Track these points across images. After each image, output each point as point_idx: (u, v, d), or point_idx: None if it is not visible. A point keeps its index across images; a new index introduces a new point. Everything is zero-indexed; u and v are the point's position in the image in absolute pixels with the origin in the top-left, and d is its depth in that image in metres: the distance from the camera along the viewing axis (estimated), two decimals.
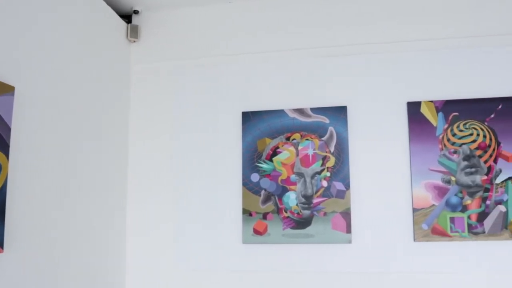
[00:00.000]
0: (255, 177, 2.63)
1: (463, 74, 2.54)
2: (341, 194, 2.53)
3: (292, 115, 2.64)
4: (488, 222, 2.38)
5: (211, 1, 2.84)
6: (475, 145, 2.45)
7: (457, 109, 2.49)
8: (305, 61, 2.71)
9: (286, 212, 2.57)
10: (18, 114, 1.89)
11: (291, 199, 2.57)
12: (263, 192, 2.61)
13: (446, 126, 2.49)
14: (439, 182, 2.45)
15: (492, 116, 2.45)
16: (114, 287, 2.61)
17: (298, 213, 2.56)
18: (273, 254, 2.58)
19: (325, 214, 2.53)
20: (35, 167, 1.99)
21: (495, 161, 2.42)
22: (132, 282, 2.72)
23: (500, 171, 2.41)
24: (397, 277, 2.45)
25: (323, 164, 2.57)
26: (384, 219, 2.50)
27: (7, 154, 1.79)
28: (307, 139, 2.61)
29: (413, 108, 2.53)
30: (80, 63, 2.38)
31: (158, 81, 2.88)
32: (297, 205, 2.56)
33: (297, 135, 2.62)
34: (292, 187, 2.58)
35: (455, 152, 2.46)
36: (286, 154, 2.62)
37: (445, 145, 2.47)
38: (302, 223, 2.55)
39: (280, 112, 2.66)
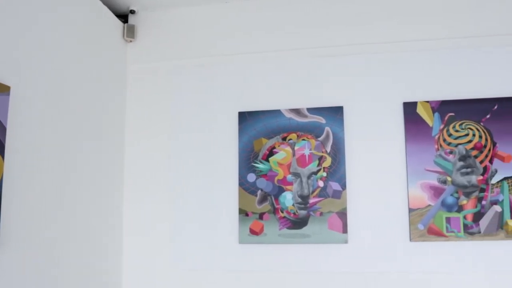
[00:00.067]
0: (251, 177, 2.63)
1: (459, 75, 2.54)
2: (337, 194, 2.53)
3: (288, 115, 2.65)
4: (484, 222, 2.39)
5: (207, 1, 2.84)
6: (471, 145, 2.45)
7: (453, 109, 2.50)
8: (302, 61, 2.72)
9: (282, 212, 2.57)
10: (13, 113, 1.88)
11: (288, 199, 2.57)
12: (259, 192, 2.61)
13: (442, 126, 2.49)
14: (435, 182, 2.46)
15: (488, 116, 2.46)
16: (111, 287, 2.61)
17: (294, 213, 2.56)
18: (269, 254, 2.58)
19: (321, 214, 2.53)
20: (30, 167, 1.98)
21: (490, 161, 2.43)
22: (129, 282, 2.72)
23: (496, 171, 2.41)
24: (393, 277, 2.45)
25: (319, 164, 2.57)
26: (380, 219, 2.50)
27: (2, 154, 1.79)
28: (303, 139, 2.61)
29: (409, 108, 2.54)
30: (76, 63, 2.37)
31: (154, 81, 2.87)
32: (293, 205, 2.56)
33: (293, 135, 2.62)
34: (288, 187, 2.58)
35: (451, 152, 2.46)
36: (282, 154, 2.62)
37: (441, 145, 2.48)
38: (298, 223, 2.55)
39: (276, 112, 2.66)
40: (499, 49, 2.53)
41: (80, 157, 2.37)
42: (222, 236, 2.64)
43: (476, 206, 2.41)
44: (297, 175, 2.58)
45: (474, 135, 2.46)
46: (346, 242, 2.50)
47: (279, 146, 2.63)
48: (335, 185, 2.54)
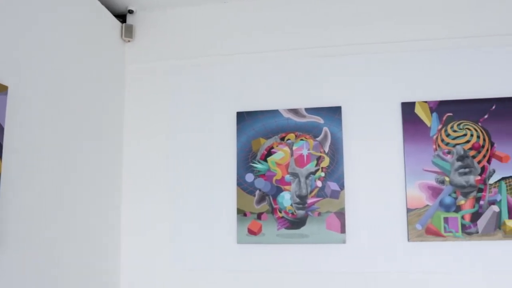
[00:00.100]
0: (249, 177, 2.63)
1: (457, 75, 2.55)
2: (336, 194, 2.53)
3: (286, 115, 2.65)
4: (482, 222, 2.39)
5: (206, 1, 2.84)
6: (469, 145, 2.46)
7: (451, 109, 2.50)
8: (300, 62, 2.72)
9: (280, 212, 2.57)
10: (11, 113, 1.88)
11: (286, 199, 2.57)
12: (257, 192, 2.61)
13: (440, 126, 2.50)
14: (433, 183, 2.46)
15: (486, 116, 2.46)
16: (109, 286, 2.61)
17: (292, 213, 2.56)
18: (267, 254, 2.58)
19: (319, 214, 2.53)
20: (28, 167, 1.98)
21: (488, 161, 2.43)
22: (127, 282, 2.71)
23: (494, 171, 2.42)
24: (391, 277, 2.45)
25: (317, 164, 2.57)
26: (378, 219, 2.50)
27: (0, 154, 1.78)
28: (301, 139, 2.61)
29: (407, 108, 2.54)
30: (74, 63, 2.37)
31: (152, 81, 2.87)
32: (291, 205, 2.56)
33: (291, 135, 2.62)
34: (286, 187, 2.58)
35: (449, 152, 2.47)
36: (280, 154, 2.62)
37: (439, 146, 2.48)
38: (296, 223, 2.55)
39: (274, 112, 2.66)
40: (497, 49, 2.53)
41: (79, 157, 2.37)
42: (220, 236, 2.64)
43: (474, 206, 2.41)
44: (295, 175, 2.58)
45: (472, 135, 2.46)
46: (344, 242, 2.50)
47: (277, 146, 2.63)
48: (333, 185, 2.54)
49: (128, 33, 2.86)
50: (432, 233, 2.42)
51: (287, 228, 2.55)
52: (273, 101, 2.70)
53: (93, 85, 2.54)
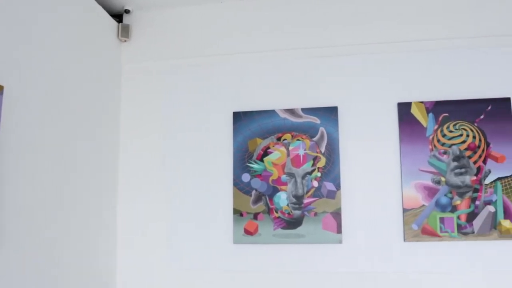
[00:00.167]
0: (246, 177, 2.63)
1: (453, 75, 2.55)
2: (332, 195, 2.54)
3: (283, 115, 2.65)
4: (477, 222, 2.40)
5: (203, 1, 2.84)
6: (464, 145, 2.46)
7: (447, 110, 2.50)
8: (296, 62, 2.72)
9: (277, 212, 2.57)
10: (7, 113, 1.87)
11: (282, 199, 2.57)
12: (254, 192, 2.61)
13: (436, 127, 2.50)
14: (429, 183, 2.47)
15: (482, 117, 2.47)
16: (105, 286, 2.60)
17: (289, 213, 2.56)
18: (263, 254, 2.58)
19: (315, 214, 2.54)
20: (24, 166, 1.98)
21: (484, 161, 2.44)
22: (123, 282, 2.71)
23: (489, 171, 2.42)
24: (388, 277, 2.46)
25: (314, 165, 2.57)
26: (375, 219, 2.51)
27: None
28: (298, 140, 2.61)
29: (404, 109, 2.55)
30: (70, 63, 2.37)
31: (149, 80, 2.87)
32: (287, 205, 2.57)
33: (288, 136, 2.63)
34: (283, 187, 2.58)
35: (445, 152, 2.47)
36: (277, 154, 2.62)
37: (435, 146, 2.49)
38: (292, 223, 2.55)
39: (271, 113, 2.66)
40: (493, 50, 2.54)
41: (75, 156, 2.36)
42: (217, 236, 2.64)
43: (469, 206, 2.42)
44: (291, 175, 2.58)
45: (468, 135, 2.47)
46: (340, 242, 2.50)
47: (273, 146, 2.63)
48: (329, 185, 2.54)
49: (125, 33, 2.86)
50: (428, 233, 2.42)
51: (284, 228, 2.55)
52: (269, 101, 2.70)
53: (89, 85, 2.54)
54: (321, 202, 2.54)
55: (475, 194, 2.42)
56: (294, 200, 2.56)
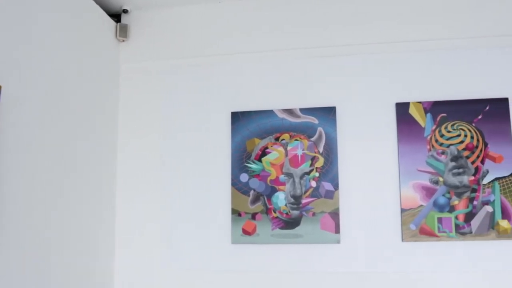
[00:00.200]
0: (244, 177, 2.63)
1: (451, 76, 2.56)
2: (330, 195, 2.54)
3: (281, 115, 2.65)
4: (475, 222, 2.40)
5: (201, 1, 2.83)
6: (462, 146, 2.46)
7: (445, 110, 2.51)
8: (294, 62, 2.72)
9: (275, 212, 2.57)
10: (4, 113, 1.87)
11: (280, 199, 2.57)
12: (252, 192, 2.61)
13: (434, 127, 2.50)
14: (427, 183, 2.47)
15: (480, 117, 2.47)
16: (103, 286, 2.60)
17: (287, 213, 2.56)
18: (262, 254, 2.58)
19: (313, 214, 2.54)
20: (22, 166, 1.97)
21: (482, 161, 2.44)
22: (121, 282, 2.71)
23: (487, 171, 2.43)
24: (385, 277, 2.46)
25: (312, 165, 2.57)
26: (373, 219, 2.51)
27: None
28: (296, 140, 2.61)
29: (402, 109, 2.55)
30: (68, 62, 2.36)
31: (147, 80, 2.86)
32: (286, 205, 2.57)
33: (286, 136, 2.63)
34: (281, 187, 2.58)
35: (443, 153, 2.48)
36: (275, 154, 2.62)
37: (433, 146, 2.49)
38: (291, 223, 2.55)
39: (269, 113, 2.66)
40: (490, 50, 2.54)
41: (73, 157, 2.36)
42: (215, 236, 2.64)
43: (467, 207, 2.42)
44: (289, 175, 2.58)
45: (466, 135, 2.47)
46: (338, 242, 2.50)
47: (271, 146, 2.63)
48: (327, 185, 2.54)
49: (123, 32, 2.86)
50: (426, 233, 2.43)
51: (282, 228, 2.55)
52: (267, 101, 2.70)
53: (87, 84, 2.53)
54: (319, 202, 2.54)
55: (473, 194, 2.42)
56: (292, 200, 2.56)
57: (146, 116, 2.83)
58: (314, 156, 2.58)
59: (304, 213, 2.54)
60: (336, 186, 2.54)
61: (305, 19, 2.74)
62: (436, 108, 2.51)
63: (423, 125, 2.51)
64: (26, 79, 2.03)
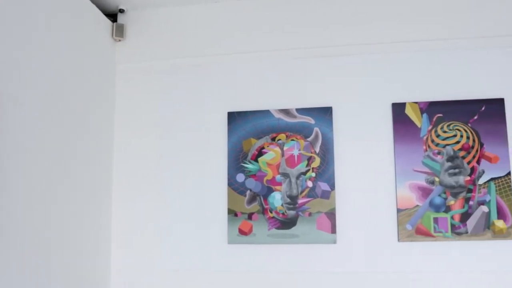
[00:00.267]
0: (240, 177, 2.63)
1: (447, 76, 2.56)
2: (326, 195, 2.54)
3: (277, 115, 2.65)
4: (471, 223, 2.41)
5: (197, 1, 2.83)
6: (458, 146, 2.47)
7: (441, 110, 2.51)
8: (291, 62, 2.72)
9: (271, 212, 2.57)
10: (0, 113, 1.87)
11: (276, 199, 2.57)
12: (248, 192, 2.61)
13: (430, 127, 2.51)
14: (423, 183, 2.47)
15: (476, 117, 2.48)
16: (99, 286, 2.59)
17: (283, 214, 2.56)
18: (258, 254, 2.58)
19: (310, 214, 2.54)
20: (18, 167, 1.97)
21: (478, 162, 2.44)
22: (117, 282, 2.70)
23: (483, 172, 2.43)
24: (382, 277, 2.46)
25: (308, 165, 2.57)
26: (369, 219, 2.51)
27: None
28: (292, 140, 2.61)
29: (398, 109, 2.55)
30: (64, 62, 2.36)
31: (143, 80, 2.86)
32: (282, 205, 2.57)
33: (282, 136, 2.63)
34: (277, 187, 2.58)
35: (439, 153, 2.48)
36: (271, 154, 2.62)
37: (429, 146, 2.49)
38: (287, 223, 2.55)
39: (265, 113, 2.66)
40: (486, 51, 2.54)
41: (69, 157, 2.35)
42: (211, 236, 2.64)
43: (463, 207, 2.42)
44: (286, 175, 2.58)
45: (461, 136, 2.47)
46: (334, 242, 2.50)
47: (268, 146, 2.63)
48: (324, 186, 2.55)
49: (119, 32, 2.85)
50: (422, 233, 2.43)
51: (278, 228, 2.55)
52: (264, 101, 2.70)
53: (83, 85, 2.53)
54: (315, 202, 2.54)
55: (469, 195, 2.43)
56: (288, 200, 2.56)
57: (142, 116, 2.82)
58: (311, 156, 2.58)
59: (300, 213, 2.54)
60: (332, 186, 2.54)
61: (301, 19, 2.74)
62: (432, 108, 2.52)
63: (419, 126, 2.52)
64: (22, 80, 2.02)
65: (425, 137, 2.50)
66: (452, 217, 2.42)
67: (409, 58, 2.60)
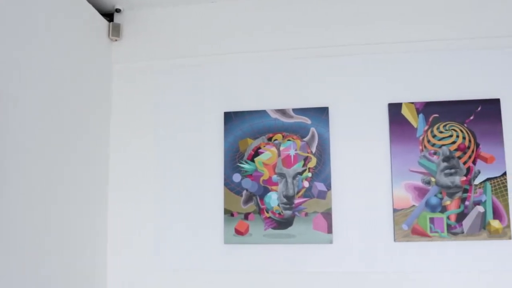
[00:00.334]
0: (236, 177, 2.63)
1: (443, 77, 2.57)
2: (323, 195, 2.54)
3: (274, 115, 2.65)
4: (467, 223, 2.41)
5: (194, 1, 2.83)
6: (454, 146, 2.47)
7: (437, 110, 2.52)
8: (288, 63, 2.72)
9: (267, 212, 2.57)
10: None
11: (273, 199, 2.57)
12: (244, 192, 2.61)
13: (426, 127, 2.51)
14: (419, 183, 2.48)
15: (472, 118, 2.49)
16: (95, 287, 2.59)
17: (279, 214, 2.56)
18: (254, 254, 2.58)
19: (306, 214, 2.54)
20: (13, 168, 1.96)
21: (474, 162, 2.45)
22: (113, 283, 2.70)
23: (479, 172, 2.44)
24: (378, 277, 2.47)
25: (304, 165, 2.57)
26: (365, 219, 2.52)
27: None
28: (289, 140, 2.61)
29: (394, 109, 2.55)
30: (60, 62, 2.35)
31: (139, 80, 2.86)
32: (278, 205, 2.57)
33: (279, 136, 2.63)
34: (273, 187, 2.58)
35: (435, 153, 2.48)
36: (268, 154, 2.62)
37: (425, 146, 2.50)
38: (283, 223, 2.55)
39: (262, 113, 2.66)
40: (482, 51, 2.55)
41: (65, 157, 2.35)
42: (207, 236, 2.64)
43: (459, 207, 2.43)
44: (282, 175, 2.58)
45: (458, 136, 2.48)
46: (331, 242, 2.51)
47: (264, 146, 2.63)
48: (320, 186, 2.55)
49: (115, 32, 2.85)
50: (418, 233, 2.43)
51: (274, 228, 2.55)
52: (260, 101, 2.70)
53: (79, 84, 2.52)
54: (311, 202, 2.54)
55: (465, 195, 2.43)
56: (285, 200, 2.56)
57: (138, 116, 2.82)
58: (307, 156, 2.58)
59: (296, 213, 2.55)
60: (328, 186, 2.54)
61: (294, 20, 2.74)
62: (428, 108, 2.52)
63: (415, 126, 2.52)
64: (17, 79, 2.01)
65: (421, 137, 2.51)
66: (448, 217, 2.43)
67: (405, 59, 2.61)
